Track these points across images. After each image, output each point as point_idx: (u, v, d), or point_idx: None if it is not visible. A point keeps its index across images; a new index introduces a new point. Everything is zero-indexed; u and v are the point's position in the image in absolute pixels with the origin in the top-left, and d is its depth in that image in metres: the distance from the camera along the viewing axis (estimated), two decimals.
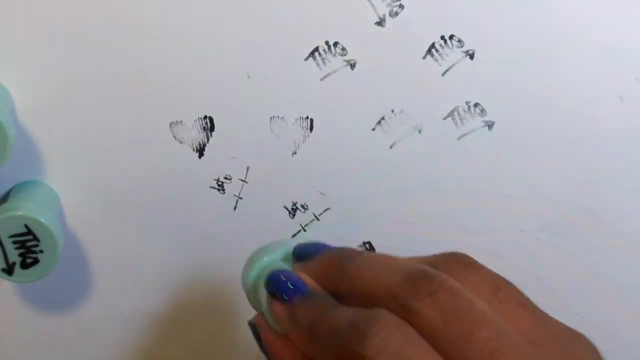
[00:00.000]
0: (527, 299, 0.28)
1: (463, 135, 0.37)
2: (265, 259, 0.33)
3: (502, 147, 0.37)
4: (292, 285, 0.30)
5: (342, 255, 0.30)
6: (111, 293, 0.40)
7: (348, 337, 0.27)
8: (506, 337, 0.26)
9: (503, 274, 0.29)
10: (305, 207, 0.38)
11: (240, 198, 0.38)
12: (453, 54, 0.35)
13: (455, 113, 0.36)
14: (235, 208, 0.38)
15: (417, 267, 0.28)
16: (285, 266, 0.31)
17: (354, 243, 0.39)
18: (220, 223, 0.39)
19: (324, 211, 0.38)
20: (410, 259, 0.30)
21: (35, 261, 0.35)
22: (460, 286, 0.27)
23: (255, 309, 0.34)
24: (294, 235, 0.39)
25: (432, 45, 0.35)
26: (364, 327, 0.26)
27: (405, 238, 0.39)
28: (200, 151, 0.37)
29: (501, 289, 0.28)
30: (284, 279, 0.30)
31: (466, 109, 0.36)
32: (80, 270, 0.40)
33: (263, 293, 0.31)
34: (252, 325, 0.32)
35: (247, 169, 0.37)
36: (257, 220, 0.39)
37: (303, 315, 0.29)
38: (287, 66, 0.35)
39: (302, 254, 0.32)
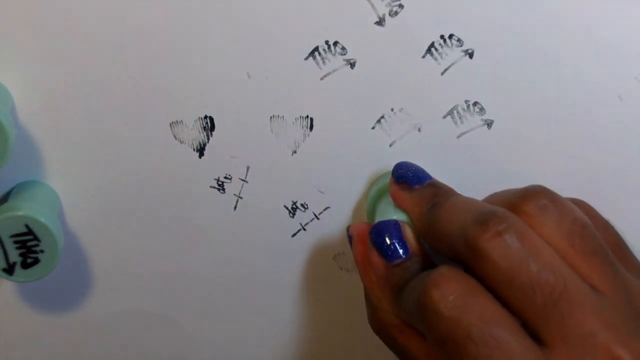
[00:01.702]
0: (602, 248, 0.29)
1: (462, 134, 0.37)
2: (373, 188, 0.36)
3: (501, 145, 0.37)
4: (391, 249, 0.32)
5: (433, 199, 0.32)
6: (111, 293, 0.40)
7: (416, 295, 0.29)
8: (572, 284, 0.27)
9: None
10: (305, 206, 0.38)
11: (241, 198, 0.38)
12: (452, 53, 0.35)
13: (455, 112, 0.36)
14: (235, 208, 0.38)
15: (487, 208, 0.29)
16: (391, 213, 0.33)
17: None
18: (220, 223, 0.39)
19: (324, 210, 0.38)
20: (494, 195, 0.31)
21: (36, 261, 0.35)
22: (528, 229, 0.28)
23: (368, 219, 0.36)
24: (294, 235, 0.39)
25: (432, 45, 0.35)
26: (427, 282, 0.28)
27: None
28: (201, 151, 0.37)
29: (577, 236, 0.28)
30: (387, 240, 0.32)
31: (465, 108, 0.36)
32: (80, 270, 0.40)
33: (373, 216, 0.34)
34: (350, 236, 0.34)
35: (247, 168, 0.37)
36: (257, 219, 0.39)
37: (396, 276, 0.31)
38: (287, 66, 0.35)
39: (402, 177, 0.34)
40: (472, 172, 0.37)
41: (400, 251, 0.31)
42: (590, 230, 0.29)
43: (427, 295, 0.28)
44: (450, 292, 0.27)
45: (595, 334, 0.26)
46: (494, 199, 0.32)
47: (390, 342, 0.32)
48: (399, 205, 0.33)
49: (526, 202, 0.29)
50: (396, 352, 0.32)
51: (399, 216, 0.33)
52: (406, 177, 0.34)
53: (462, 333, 0.26)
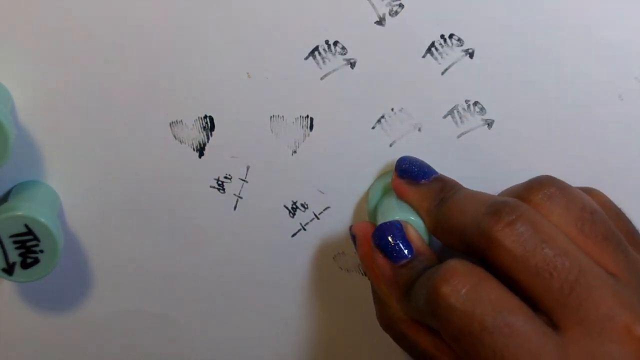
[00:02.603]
0: (613, 233, 0.29)
1: (463, 134, 0.37)
2: (374, 187, 0.36)
3: (502, 145, 0.37)
4: (396, 250, 0.31)
5: (441, 193, 0.32)
6: (111, 293, 0.40)
7: (426, 292, 0.28)
8: (587, 268, 0.27)
9: None
10: (306, 206, 0.38)
11: (240, 198, 0.38)
12: (453, 53, 0.35)
13: (455, 111, 0.36)
14: (235, 208, 0.38)
15: (498, 199, 0.29)
16: (395, 211, 0.33)
17: None
18: (220, 223, 0.39)
19: (324, 210, 0.38)
20: (502, 191, 0.31)
21: (36, 261, 0.35)
22: (540, 217, 0.28)
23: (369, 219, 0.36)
24: (294, 235, 0.39)
25: (432, 44, 0.35)
26: (436, 277, 0.28)
27: None
28: (200, 151, 0.37)
29: (587, 222, 0.28)
30: (391, 241, 0.32)
31: (466, 108, 0.36)
32: (80, 270, 0.40)
33: (374, 215, 0.34)
34: (353, 235, 0.35)
35: (247, 168, 0.37)
36: (257, 219, 0.39)
37: (403, 277, 0.31)
38: (287, 65, 0.35)
39: (406, 172, 0.34)
40: (473, 172, 0.37)
41: (405, 251, 0.31)
42: (600, 216, 0.29)
43: (438, 290, 0.27)
44: (462, 286, 0.27)
45: (613, 316, 0.26)
46: (502, 193, 0.32)
47: (400, 338, 0.32)
48: (403, 198, 0.33)
49: (534, 192, 0.29)
50: (406, 348, 0.32)
51: (403, 214, 0.33)
52: (411, 171, 0.33)
53: (477, 325, 0.26)
